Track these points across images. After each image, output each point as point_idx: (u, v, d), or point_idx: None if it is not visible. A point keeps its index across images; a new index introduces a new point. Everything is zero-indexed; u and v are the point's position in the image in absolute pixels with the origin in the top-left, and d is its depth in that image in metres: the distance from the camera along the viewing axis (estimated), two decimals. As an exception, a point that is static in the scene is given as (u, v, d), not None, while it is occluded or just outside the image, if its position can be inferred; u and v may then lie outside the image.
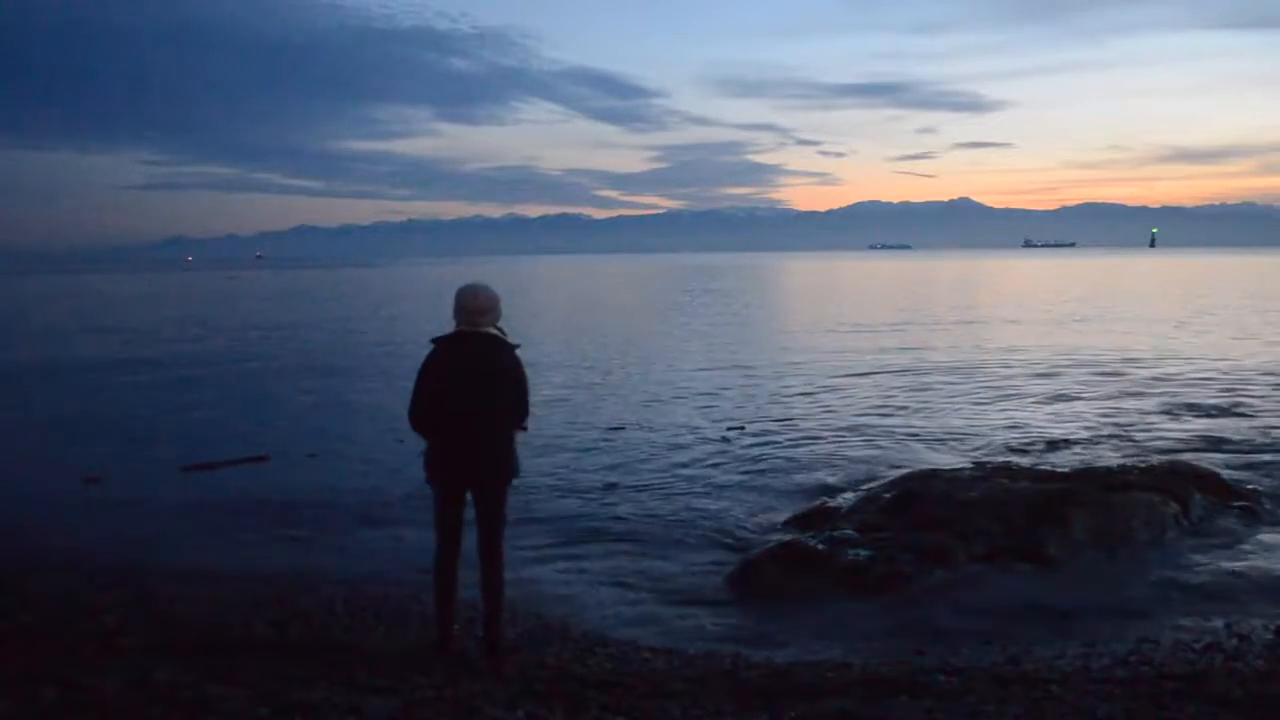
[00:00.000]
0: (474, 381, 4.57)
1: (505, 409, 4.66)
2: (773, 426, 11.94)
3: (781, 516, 7.85)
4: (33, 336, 27.49)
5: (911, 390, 14.91)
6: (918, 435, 11.25)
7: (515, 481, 4.90)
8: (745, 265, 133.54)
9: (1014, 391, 14.62)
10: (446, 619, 4.87)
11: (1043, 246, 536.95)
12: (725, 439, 11.16)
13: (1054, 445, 10.45)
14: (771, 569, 6.55)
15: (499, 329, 4.72)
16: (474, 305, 4.62)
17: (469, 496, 4.79)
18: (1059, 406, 13.15)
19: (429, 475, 4.75)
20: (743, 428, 11.82)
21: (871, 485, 8.46)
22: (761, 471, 9.50)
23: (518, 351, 4.76)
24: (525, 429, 4.86)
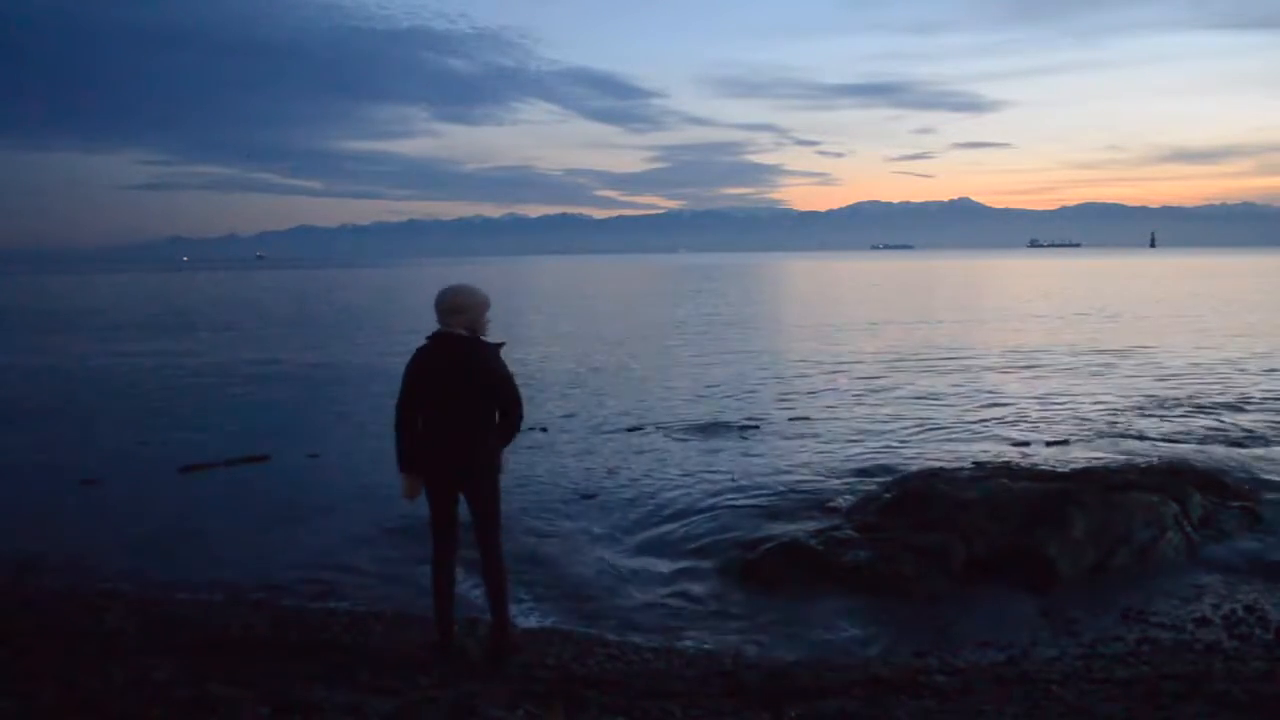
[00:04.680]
0: (442, 382, 4.55)
1: (479, 409, 4.58)
2: (781, 425, 11.95)
3: (783, 516, 7.84)
4: (30, 338, 27.50)
5: (914, 389, 14.90)
6: (919, 434, 11.25)
7: (503, 478, 4.83)
8: (749, 265, 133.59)
9: (1015, 390, 14.61)
10: (444, 616, 4.86)
11: (1049, 246, 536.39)
12: (741, 437, 11.18)
13: (1054, 445, 10.45)
14: (772, 569, 6.56)
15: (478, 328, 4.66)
16: (445, 306, 4.61)
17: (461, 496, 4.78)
18: (1059, 405, 13.13)
19: (413, 472, 4.73)
20: (757, 427, 11.84)
21: (871, 485, 8.47)
22: (764, 470, 9.49)
23: (503, 350, 4.70)
24: (515, 428, 4.71)
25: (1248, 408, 12.63)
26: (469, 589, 5.60)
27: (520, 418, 4.70)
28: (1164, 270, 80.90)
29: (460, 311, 4.60)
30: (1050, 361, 18.17)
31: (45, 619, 5.34)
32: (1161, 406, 12.85)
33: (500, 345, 4.70)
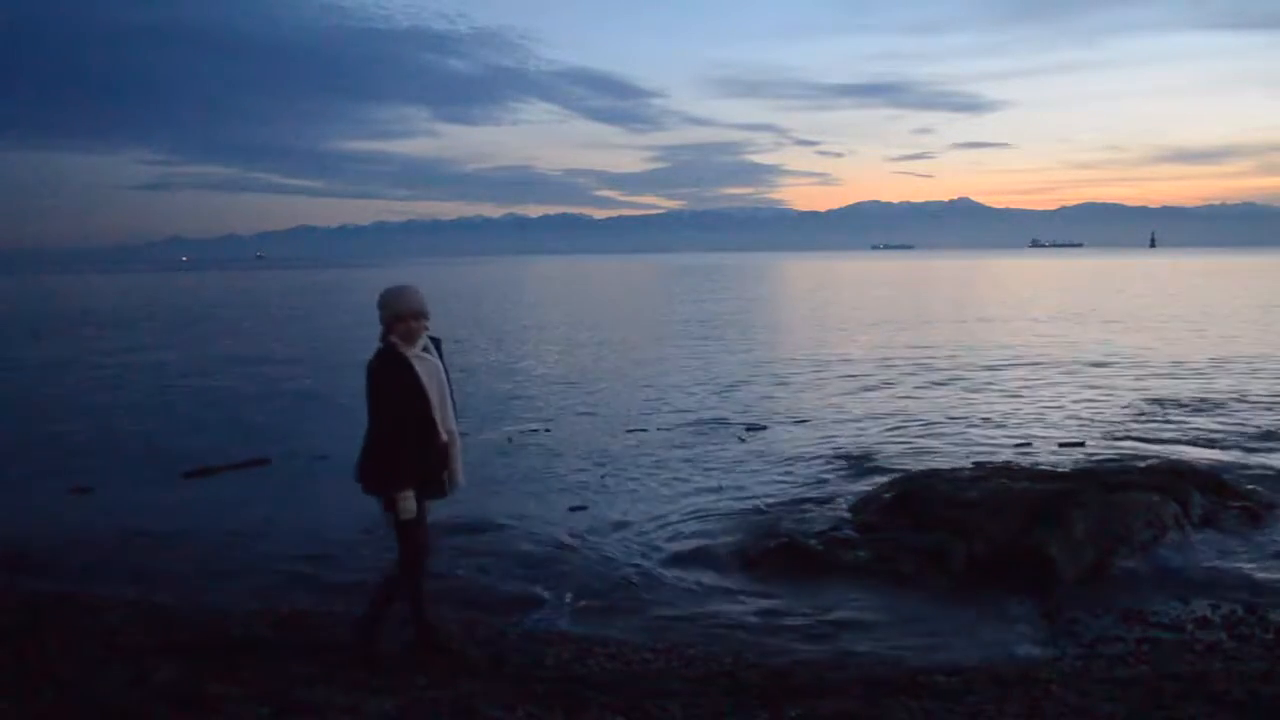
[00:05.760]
0: None
1: (373, 419, 4.62)
2: (781, 426, 11.95)
3: (783, 517, 7.84)
4: (30, 339, 27.51)
5: (914, 390, 14.91)
6: (919, 435, 11.24)
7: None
8: (749, 265, 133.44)
9: (1016, 390, 14.62)
10: (415, 613, 4.85)
11: (1050, 246, 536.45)
12: (740, 439, 11.17)
13: (1054, 445, 10.44)
14: (772, 569, 6.56)
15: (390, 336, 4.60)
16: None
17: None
18: (1060, 405, 13.13)
19: None
20: (762, 427, 11.83)
21: (871, 485, 8.46)
22: (764, 471, 9.49)
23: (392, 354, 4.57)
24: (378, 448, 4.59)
25: (1248, 408, 12.62)
26: (477, 591, 5.59)
27: (381, 435, 4.58)
28: (1164, 270, 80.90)
29: (381, 315, 4.57)
30: (1050, 362, 18.17)
31: (45, 619, 5.34)
32: (1162, 407, 12.84)
33: (378, 352, 4.58)
